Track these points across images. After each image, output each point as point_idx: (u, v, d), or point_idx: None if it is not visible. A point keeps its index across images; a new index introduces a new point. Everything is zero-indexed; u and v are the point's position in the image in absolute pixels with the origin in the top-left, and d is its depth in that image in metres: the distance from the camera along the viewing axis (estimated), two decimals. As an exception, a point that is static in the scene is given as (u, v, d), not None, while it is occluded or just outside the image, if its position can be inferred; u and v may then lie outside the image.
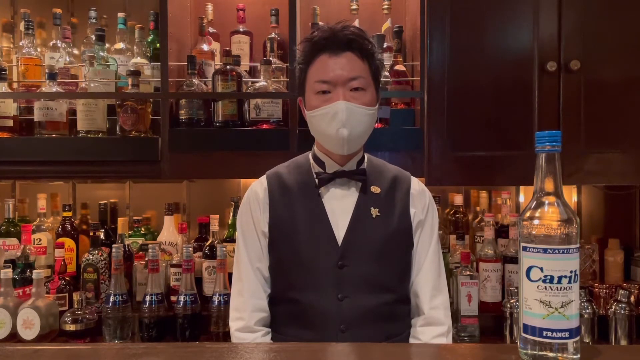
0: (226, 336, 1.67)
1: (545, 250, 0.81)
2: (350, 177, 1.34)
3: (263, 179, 1.40)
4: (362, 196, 1.33)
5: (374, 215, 1.31)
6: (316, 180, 1.34)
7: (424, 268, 1.35)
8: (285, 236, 1.31)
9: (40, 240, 1.91)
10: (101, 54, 1.91)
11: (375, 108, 1.33)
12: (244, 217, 1.38)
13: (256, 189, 1.38)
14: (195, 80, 1.83)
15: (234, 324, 1.34)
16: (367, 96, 1.29)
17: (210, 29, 2.06)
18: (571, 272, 0.81)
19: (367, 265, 1.28)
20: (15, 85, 1.94)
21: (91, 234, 1.90)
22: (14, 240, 1.89)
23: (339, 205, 1.32)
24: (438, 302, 1.33)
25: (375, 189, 1.34)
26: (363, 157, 1.38)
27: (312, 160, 1.39)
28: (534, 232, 0.83)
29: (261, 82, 1.81)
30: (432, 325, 1.32)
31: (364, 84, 1.29)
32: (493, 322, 1.82)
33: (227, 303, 1.68)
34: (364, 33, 1.32)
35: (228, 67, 1.81)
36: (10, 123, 1.83)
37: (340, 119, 1.25)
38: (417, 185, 1.40)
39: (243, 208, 1.39)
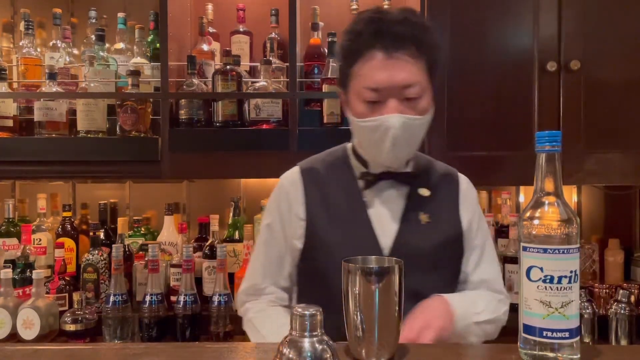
0: (226, 336, 1.67)
1: (545, 250, 0.81)
2: (398, 179, 1.18)
3: (296, 172, 1.23)
4: (410, 200, 1.18)
5: (423, 222, 1.16)
6: (361, 182, 1.18)
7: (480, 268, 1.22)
8: (323, 244, 1.15)
9: (40, 240, 1.90)
10: (101, 54, 1.91)
11: (431, 112, 1.14)
12: (270, 217, 1.24)
13: (286, 184, 1.22)
14: (195, 80, 1.83)
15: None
16: (423, 103, 1.11)
17: (210, 29, 2.06)
18: (571, 272, 0.81)
19: (416, 278, 1.04)
20: (15, 85, 1.94)
21: (91, 234, 1.89)
22: (14, 240, 1.89)
23: (385, 210, 1.16)
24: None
25: (424, 192, 1.19)
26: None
27: (352, 156, 1.23)
28: (534, 232, 0.83)
29: (261, 82, 1.81)
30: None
31: (420, 92, 1.10)
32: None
33: (227, 303, 1.68)
34: (423, 20, 1.14)
35: (228, 67, 1.81)
36: (10, 123, 1.83)
37: (392, 136, 1.07)
38: (465, 183, 1.26)
39: (271, 206, 1.24)
